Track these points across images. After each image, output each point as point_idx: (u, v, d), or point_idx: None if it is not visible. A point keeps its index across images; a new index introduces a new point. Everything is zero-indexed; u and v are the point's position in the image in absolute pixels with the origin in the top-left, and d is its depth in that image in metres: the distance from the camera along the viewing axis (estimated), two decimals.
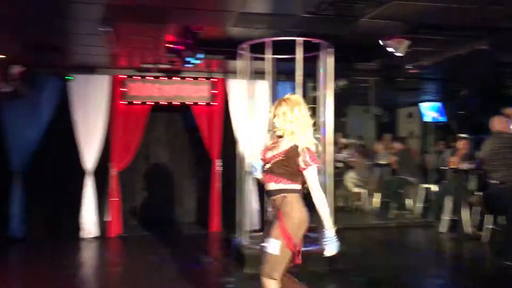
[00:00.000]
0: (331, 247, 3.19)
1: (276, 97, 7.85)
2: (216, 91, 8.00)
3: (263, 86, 7.03)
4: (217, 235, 7.79)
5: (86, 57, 6.89)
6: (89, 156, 7.51)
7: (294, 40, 5.53)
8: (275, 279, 3.16)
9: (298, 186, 3.29)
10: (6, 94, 6.94)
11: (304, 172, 3.23)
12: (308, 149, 3.25)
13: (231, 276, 5.34)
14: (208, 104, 7.98)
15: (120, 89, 7.66)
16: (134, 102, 7.72)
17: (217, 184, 7.98)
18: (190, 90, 7.92)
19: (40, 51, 6.29)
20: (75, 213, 7.46)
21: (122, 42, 5.94)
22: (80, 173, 7.48)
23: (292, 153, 3.24)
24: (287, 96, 3.44)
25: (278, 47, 5.80)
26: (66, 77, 7.32)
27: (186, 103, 7.92)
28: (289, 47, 5.65)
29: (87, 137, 7.50)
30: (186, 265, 5.89)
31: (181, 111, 8.47)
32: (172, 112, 8.58)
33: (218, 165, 7.98)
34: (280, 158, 3.26)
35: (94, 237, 7.49)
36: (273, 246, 3.15)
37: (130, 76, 7.71)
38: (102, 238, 7.49)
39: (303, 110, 3.32)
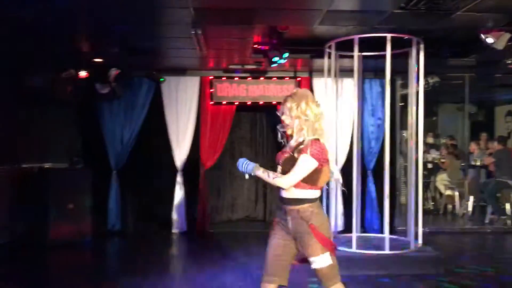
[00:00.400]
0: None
1: (363, 96, 7.75)
2: None
3: (350, 85, 6.91)
4: None
5: (177, 60, 7.19)
6: (180, 154, 7.84)
7: (383, 36, 5.37)
8: (339, 281, 3.11)
9: (317, 192, 3.06)
10: (104, 95, 7.43)
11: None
12: (315, 141, 2.99)
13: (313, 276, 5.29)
14: None
15: (209, 90, 7.90)
16: (221, 102, 7.93)
17: None
18: (275, 90, 7.98)
19: (135, 55, 6.66)
20: (167, 209, 7.82)
21: (210, 44, 6.13)
22: (171, 170, 7.82)
23: (300, 149, 2.98)
24: (293, 90, 3.20)
25: (366, 44, 5.66)
26: (159, 79, 7.68)
27: (271, 102, 7.99)
28: (377, 44, 5.50)
29: (177, 136, 7.83)
30: None
31: (266, 111, 8.56)
32: (256, 111, 8.71)
33: None
34: (288, 155, 3.05)
35: (183, 232, 7.80)
36: (324, 260, 3.00)
37: (217, 77, 7.93)
38: (191, 233, 7.78)
39: (311, 104, 3.04)
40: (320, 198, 3.13)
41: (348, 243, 5.72)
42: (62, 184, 6.88)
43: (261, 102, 8.01)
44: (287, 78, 8.00)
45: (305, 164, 2.94)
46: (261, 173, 3.04)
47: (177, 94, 7.85)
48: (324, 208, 6.07)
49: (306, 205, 3.00)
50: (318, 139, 3.01)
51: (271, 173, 3.05)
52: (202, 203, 7.87)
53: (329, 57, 6.05)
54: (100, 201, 7.53)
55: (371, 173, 7.91)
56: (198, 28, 5.11)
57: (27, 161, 7.05)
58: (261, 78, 7.96)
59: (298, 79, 7.99)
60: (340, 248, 5.61)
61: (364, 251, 5.53)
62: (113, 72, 7.20)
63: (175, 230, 7.79)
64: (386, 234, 5.56)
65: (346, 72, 6.62)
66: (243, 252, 6.51)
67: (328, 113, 6.38)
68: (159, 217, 7.91)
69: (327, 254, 2.99)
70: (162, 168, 7.94)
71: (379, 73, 7.56)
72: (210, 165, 7.97)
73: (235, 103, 7.98)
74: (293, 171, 2.96)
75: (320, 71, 6.62)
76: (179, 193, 7.85)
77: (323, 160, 2.98)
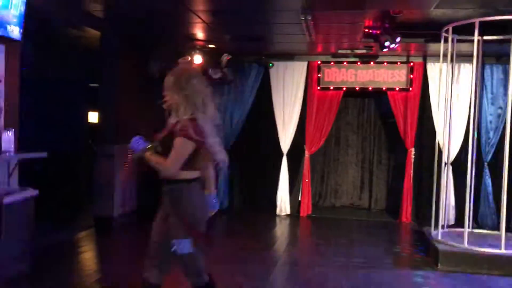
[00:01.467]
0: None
1: (482, 83, 7.22)
2: (414, 76, 7.66)
3: (467, 70, 6.48)
4: (407, 226, 7.55)
5: (285, 45, 7.26)
6: (285, 138, 7.96)
7: (508, 20, 4.94)
8: (203, 283, 2.88)
9: (193, 174, 2.81)
10: (216, 80, 7.75)
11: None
12: (191, 121, 2.74)
13: (422, 270, 5.13)
14: (404, 89, 7.69)
15: (316, 74, 7.89)
16: (328, 87, 7.88)
17: (410, 173, 7.69)
18: (386, 75, 7.74)
19: (246, 41, 6.85)
20: (271, 191, 8.01)
21: (320, 29, 6.09)
22: (277, 153, 7.98)
23: (177, 130, 2.74)
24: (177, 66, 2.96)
25: (487, 27, 5.26)
26: (267, 64, 7.83)
27: (381, 88, 7.76)
28: (500, 27, 5.08)
29: (283, 120, 7.95)
30: (374, 251, 5.85)
31: (374, 97, 8.34)
32: (365, 97, 8.52)
33: (412, 154, 7.69)
34: (165, 135, 2.82)
35: (286, 215, 7.95)
36: (183, 245, 2.77)
37: (325, 62, 7.87)
38: (294, 216, 7.90)
39: (193, 79, 2.79)
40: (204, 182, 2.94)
41: (459, 238, 5.44)
42: None
43: (370, 88, 7.82)
44: (399, 63, 7.70)
45: (182, 149, 2.74)
46: (148, 155, 2.83)
47: (284, 79, 7.95)
48: (433, 199, 5.83)
49: (179, 185, 2.81)
50: (194, 119, 2.77)
51: (157, 157, 2.81)
52: (305, 188, 7.95)
53: (445, 42, 5.72)
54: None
55: (488, 166, 7.39)
56: (308, 14, 5.11)
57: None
58: (371, 63, 7.76)
59: (410, 64, 7.66)
60: (450, 242, 5.37)
61: (476, 248, 5.22)
62: (225, 57, 7.48)
63: (278, 213, 7.97)
64: (502, 231, 5.18)
65: (464, 57, 6.22)
66: (345, 239, 6.48)
67: (442, 100, 6.08)
68: (263, 199, 8.13)
69: (189, 241, 2.77)
70: (267, 151, 8.14)
71: (502, 58, 7.00)
72: (315, 150, 8.00)
73: (343, 89, 7.87)
74: (172, 157, 2.74)
75: (435, 56, 6.30)
76: (283, 177, 7.99)
77: (199, 141, 2.75)
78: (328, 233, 6.94)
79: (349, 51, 7.34)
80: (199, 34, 6.69)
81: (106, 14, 5.89)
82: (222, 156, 2.92)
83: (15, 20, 4.39)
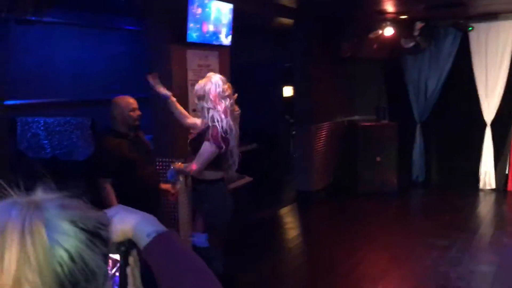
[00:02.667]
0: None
1: None
2: None
3: None
4: None
5: (487, 5, 6.59)
6: (488, 107, 7.35)
7: None
8: None
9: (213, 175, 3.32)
10: (409, 49, 7.48)
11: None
12: (214, 126, 3.18)
13: None
14: None
15: None
16: None
17: None
18: None
19: (443, 7, 6.43)
20: (473, 164, 7.55)
21: None
22: (478, 123, 7.44)
23: (204, 134, 3.21)
24: None
25: None
26: (467, 28, 7.23)
27: None
28: None
29: (486, 87, 7.32)
30: None
31: None
32: None
33: None
34: (193, 138, 3.34)
35: (491, 189, 7.44)
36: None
37: None
38: (500, 190, 7.35)
39: (209, 85, 3.22)
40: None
41: None
42: (370, 137, 7.44)
43: None
44: None
45: (208, 153, 3.21)
46: (178, 165, 3.36)
47: (487, 42, 7.25)
48: None
49: (202, 185, 3.37)
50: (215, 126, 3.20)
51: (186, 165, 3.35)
52: None
53: None
54: (404, 153, 7.81)
55: None
56: None
57: (339, 115, 7.84)
58: None
59: None
60: None
61: None
62: (418, 25, 7.15)
63: (482, 187, 7.50)
64: None
65: None
66: None
67: None
68: (464, 172, 7.71)
69: (205, 236, 3.29)
70: (467, 121, 7.63)
71: None
72: None
73: None
74: (198, 159, 3.25)
75: None
76: (487, 148, 7.44)
77: (224, 147, 3.25)
78: None
79: None
80: (390, 8, 6.52)
81: (298, 5, 6.15)
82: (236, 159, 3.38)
83: (225, 28, 4.93)
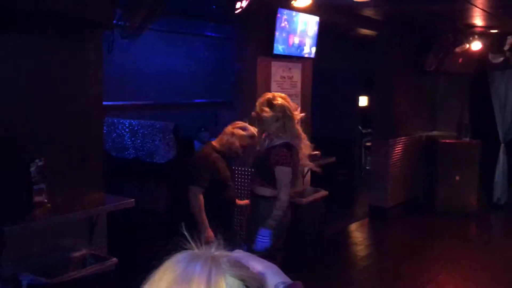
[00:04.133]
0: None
1: None
2: None
3: None
4: None
5: None
6: None
7: None
8: None
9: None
10: (497, 64, 7.13)
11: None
12: (287, 146, 3.24)
13: None
14: None
15: None
16: None
17: None
18: None
19: None
20: None
21: None
22: None
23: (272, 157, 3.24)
24: None
25: None
26: None
27: None
28: None
29: None
30: None
31: None
32: None
33: None
34: (257, 159, 3.40)
35: None
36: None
37: None
38: None
39: (262, 106, 3.23)
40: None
41: None
42: (450, 155, 7.13)
43: None
44: None
45: (287, 177, 3.23)
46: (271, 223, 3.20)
47: None
48: None
49: (256, 200, 3.40)
50: (289, 144, 3.24)
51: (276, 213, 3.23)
52: None
53: None
54: (486, 173, 7.43)
55: None
56: None
57: (419, 129, 7.57)
58: None
59: None
60: None
61: None
62: (509, 40, 6.80)
63: None
64: None
65: None
66: None
67: None
68: None
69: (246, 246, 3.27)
70: None
71: None
72: None
73: None
74: (282, 188, 3.22)
75: None
76: None
77: (296, 166, 3.36)
78: None
79: None
80: (479, 22, 6.23)
81: (383, 17, 6.02)
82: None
83: (310, 40, 4.92)
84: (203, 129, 6.49)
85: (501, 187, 7.56)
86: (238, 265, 0.74)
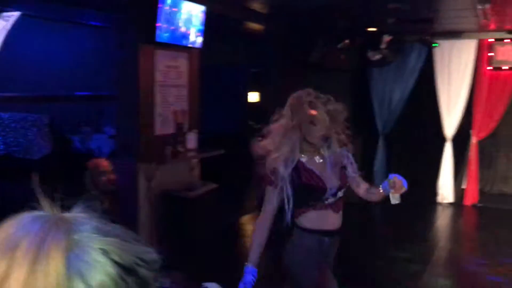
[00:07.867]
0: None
1: None
2: None
3: None
4: None
5: (453, 24, 6.76)
6: (450, 122, 7.52)
7: None
8: None
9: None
10: (376, 62, 7.57)
11: None
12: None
13: None
14: None
15: (487, 54, 7.23)
16: (501, 67, 7.18)
17: None
18: None
19: (412, 23, 6.53)
20: (433, 178, 7.70)
21: (496, 10, 5.54)
22: (439, 139, 7.61)
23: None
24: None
25: None
26: (431, 44, 7.38)
27: None
28: None
29: (448, 103, 7.50)
30: None
31: None
32: None
33: None
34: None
35: (449, 203, 7.61)
36: None
37: (499, 40, 7.16)
38: (457, 205, 7.53)
39: (286, 111, 2.64)
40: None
41: None
42: None
43: None
44: None
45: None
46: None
47: (450, 59, 7.43)
48: None
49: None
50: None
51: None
52: (471, 175, 7.48)
53: None
54: (367, 164, 7.87)
55: None
56: (486, 3, 4.69)
57: None
58: None
59: None
60: None
61: None
62: (386, 38, 7.24)
63: (440, 201, 7.66)
64: None
65: None
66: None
67: None
68: (424, 185, 7.84)
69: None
70: (429, 135, 7.80)
71: None
72: (484, 135, 7.43)
73: None
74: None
75: None
76: (447, 163, 7.61)
77: None
78: (493, 224, 6.49)
79: None
80: (359, 20, 6.57)
81: (269, 10, 6.09)
82: None
83: (195, 30, 4.81)
84: (83, 124, 6.09)
85: (380, 175, 8.06)
86: (108, 233, 0.56)
